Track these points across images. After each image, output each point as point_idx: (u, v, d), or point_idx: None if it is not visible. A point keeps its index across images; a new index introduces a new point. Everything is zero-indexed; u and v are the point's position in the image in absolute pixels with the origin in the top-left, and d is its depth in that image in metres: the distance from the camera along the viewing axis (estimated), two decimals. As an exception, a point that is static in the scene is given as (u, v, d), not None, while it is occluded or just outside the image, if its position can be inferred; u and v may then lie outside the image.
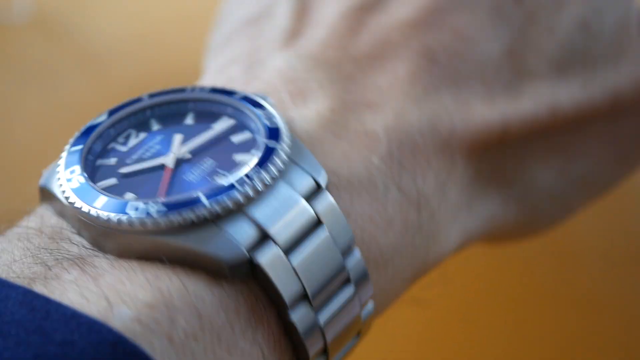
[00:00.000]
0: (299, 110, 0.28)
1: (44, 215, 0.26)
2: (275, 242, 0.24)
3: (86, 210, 0.24)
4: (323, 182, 0.25)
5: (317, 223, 0.25)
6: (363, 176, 0.27)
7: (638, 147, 0.34)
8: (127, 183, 0.25)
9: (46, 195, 0.26)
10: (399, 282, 0.28)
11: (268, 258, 0.23)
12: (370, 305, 0.26)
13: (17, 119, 0.53)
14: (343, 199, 0.26)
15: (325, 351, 0.25)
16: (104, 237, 0.24)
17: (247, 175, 0.24)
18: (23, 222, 0.26)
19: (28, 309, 0.21)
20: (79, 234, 0.25)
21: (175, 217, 0.23)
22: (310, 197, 0.25)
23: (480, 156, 0.30)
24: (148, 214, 0.23)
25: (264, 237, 0.24)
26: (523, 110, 0.30)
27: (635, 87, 0.32)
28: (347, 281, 0.25)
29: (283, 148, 0.25)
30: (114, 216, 0.23)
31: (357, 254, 0.25)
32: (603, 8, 0.32)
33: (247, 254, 0.23)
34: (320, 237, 0.24)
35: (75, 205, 0.24)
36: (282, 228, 0.24)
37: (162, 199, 0.24)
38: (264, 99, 0.27)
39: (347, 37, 0.30)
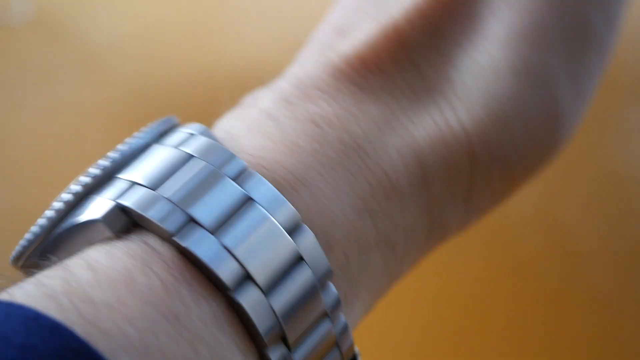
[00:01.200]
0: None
1: None
2: (143, 185, 0.23)
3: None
4: (196, 129, 0.25)
5: (189, 157, 0.24)
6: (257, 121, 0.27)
7: None
8: None
9: None
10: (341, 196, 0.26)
11: (137, 199, 0.23)
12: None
13: (17, 118, 0.53)
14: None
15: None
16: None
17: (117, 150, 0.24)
18: None
19: None
20: None
21: (49, 212, 0.24)
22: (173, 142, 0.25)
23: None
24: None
25: (132, 185, 0.23)
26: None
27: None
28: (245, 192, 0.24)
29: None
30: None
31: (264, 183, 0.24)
32: None
33: (115, 203, 0.23)
34: (195, 165, 0.24)
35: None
36: (149, 173, 0.24)
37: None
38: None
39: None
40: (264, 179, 0.24)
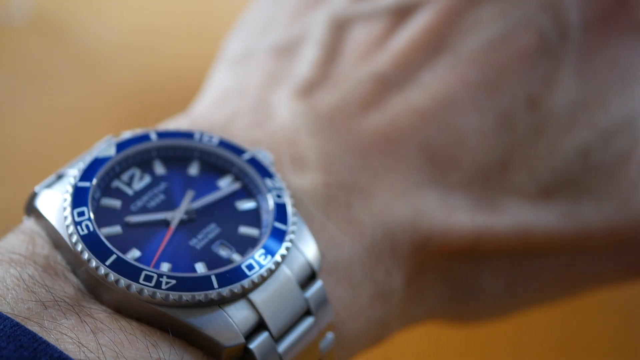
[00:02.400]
0: (296, 177, 0.28)
1: (36, 241, 0.25)
2: (269, 331, 0.25)
3: (94, 266, 0.24)
4: (317, 269, 0.26)
5: (306, 311, 0.26)
6: (346, 264, 0.28)
7: (589, 283, 0.34)
8: (132, 235, 0.25)
9: (40, 219, 0.26)
10: None
11: (261, 346, 0.25)
12: None
13: (17, 119, 0.53)
14: (327, 284, 0.27)
15: None
16: (103, 288, 0.24)
17: (255, 260, 0.25)
18: (12, 240, 0.25)
19: (16, 345, 0.21)
20: (74, 272, 0.25)
21: (185, 296, 0.24)
22: (306, 283, 0.26)
23: (445, 260, 0.31)
24: (159, 286, 0.24)
25: (261, 324, 0.25)
26: (499, 228, 0.30)
27: (609, 229, 0.31)
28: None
29: (289, 233, 0.26)
30: (124, 281, 0.24)
31: (330, 337, 0.27)
32: (612, 134, 0.31)
33: (245, 341, 0.24)
34: (307, 324, 0.26)
35: (85, 257, 0.24)
36: (277, 317, 0.25)
37: (173, 273, 0.24)
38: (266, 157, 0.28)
39: (358, 108, 0.30)
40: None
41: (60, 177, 0.26)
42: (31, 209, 0.26)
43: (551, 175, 0.31)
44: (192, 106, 0.33)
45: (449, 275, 0.31)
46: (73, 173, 0.26)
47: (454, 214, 0.30)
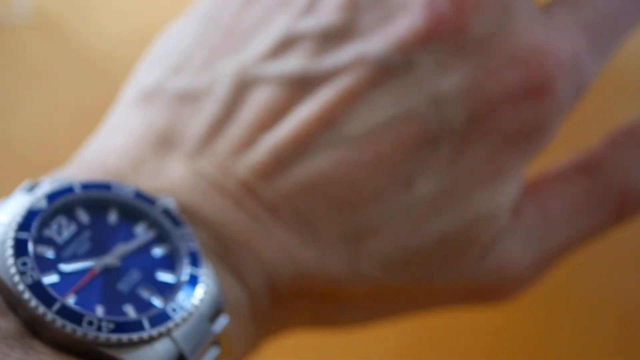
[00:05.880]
0: (193, 228, 0.33)
1: None
2: None
3: (41, 312, 0.28)
4: (222, 306, 0.31)
5: (214, 341, 0.31)
6: (237, 305, 0.33)
7: (444, 304, 0.39)
8: (67, 282, 0.29)
9: None
10: None
11: None
12: None
13: (17, 119, 0.53)
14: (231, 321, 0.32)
15: None
16: (43, 328, 0.28)
17: (179, 304, 0.30)
18: None
19: None
20: (14, 311, 0.28)
21: (123, 338, 0.28)
22: (215, 317, 0.31)
23: (311, 300, 0.35)
24: (100, 330, 0.28)
25: (181, 356, 0.29)
26: (355, 283, 0.35)
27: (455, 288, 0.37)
28: None
29: (204, 278, 0.31)
30: (70, 326, 0.28)
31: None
32: (472, 224, 0.35)
33: None
34: (214, 352, 0.31)
35: (32, 304, 0.28)
36: (194, 351, 0.30)
37: (110, 317, 0.29)
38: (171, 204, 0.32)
39: (248, 174, 0.34)
40: None
41: None
42: None
43: (411, 251, 0.35)
44: (96, 140, 0.36)
45: (314, 310, 0.36)
46: (6, 221, 0.30)
47: (322, 266, 0.34)
